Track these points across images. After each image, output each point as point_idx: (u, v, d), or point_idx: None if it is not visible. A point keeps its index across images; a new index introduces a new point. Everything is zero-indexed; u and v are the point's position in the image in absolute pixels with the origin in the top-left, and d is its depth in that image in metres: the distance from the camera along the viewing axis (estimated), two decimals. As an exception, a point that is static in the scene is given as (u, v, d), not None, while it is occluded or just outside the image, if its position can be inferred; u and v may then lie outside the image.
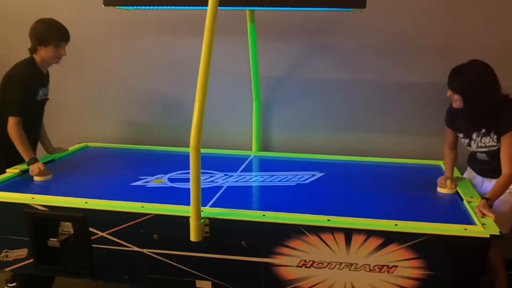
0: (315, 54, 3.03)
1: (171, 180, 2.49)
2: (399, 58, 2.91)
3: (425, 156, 2.92)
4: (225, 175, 2.59)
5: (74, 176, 2.54)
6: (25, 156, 2.48)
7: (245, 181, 2.51)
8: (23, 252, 2.21)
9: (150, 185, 2.42)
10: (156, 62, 3.21)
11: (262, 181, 2.52)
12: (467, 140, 2.36)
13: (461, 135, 2.40)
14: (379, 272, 1.94)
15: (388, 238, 1.89)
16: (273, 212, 2.03)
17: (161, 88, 3.27)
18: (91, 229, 2.11)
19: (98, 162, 2.61)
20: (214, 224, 1.99)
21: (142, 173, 2.58)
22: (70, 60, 2.68)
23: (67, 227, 2.15)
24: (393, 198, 2.28)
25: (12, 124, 2.44)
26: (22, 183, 2.41)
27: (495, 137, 2.23)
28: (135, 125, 3.37)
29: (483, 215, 1.98)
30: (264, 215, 2.01)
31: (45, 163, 2.72)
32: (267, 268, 2.02)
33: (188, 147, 1.84)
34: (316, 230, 1.93)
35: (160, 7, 2.38)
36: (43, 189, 2.31)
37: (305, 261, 1.98)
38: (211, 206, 2.12)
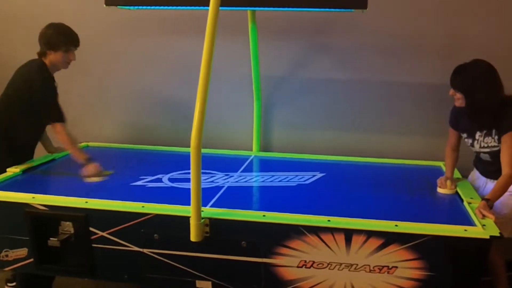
0: (315, 54, 3.03)
1: (171, 180, 2.50)
2: (399, 58, 2.91)
3: (425, 156, 2.92)
4: (226, 175, 2.59)
5: (74, 176, 2.54)
6: (80, 157, 2.51)
7: (246, 181, 2.51)
8: (23, 251, 2.21)
9: (150, 185, 2.42)
10: (157, 62, 3.22)
11: (262, 181, 2.52)
12: (470, 140, 2.36)
13: (464, 135, 2.40)
14: (379, 272, 1.94)
15: (388, 238, 1.89)
16: (274, 213, 2.03)
17: (162, 87, 3.27)
18: (91, 228, 2.11)
19: (99, 162, 2.61)
20: (215, 224, 1.99)
21: (142, 173, 2.58)
22: (71, 60, 2.68)
23: (67, 227, 2.15)
24: (394, 198, 2.28)
25: (61, 130, 2.48)
26: (23, 183, 2.41)
27: (496, 137, 2.23)
28: (136, 125, 3.37)
29: (483, 216, 1.98)
30: (264, 216, 2.01)
31: (46, 163, 2.73)
32: (267, 268, 2.02)
33: (189, 147, 1.84)
34: (316, 231, 1.93)
35: (161, 7, 2.38)
36: (44, 189, 2.31)
37: (305, 261, 1.98)
38: (211, 206, 2.12)
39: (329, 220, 1.95)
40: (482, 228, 1.89)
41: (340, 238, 1.92)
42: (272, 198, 2.29)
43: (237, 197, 2.28)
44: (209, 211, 2.05)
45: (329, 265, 1.96)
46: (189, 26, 3.06)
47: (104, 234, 2.10)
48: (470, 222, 1.97)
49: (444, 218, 2.04)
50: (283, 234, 1.96)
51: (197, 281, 2.11)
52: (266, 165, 2.89)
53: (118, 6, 2.38)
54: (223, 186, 2.41)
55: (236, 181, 2.50)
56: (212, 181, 2.48)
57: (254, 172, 2.70)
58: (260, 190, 2.42)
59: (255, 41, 2.77)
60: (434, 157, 2.87)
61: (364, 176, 2.64)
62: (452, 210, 2.17)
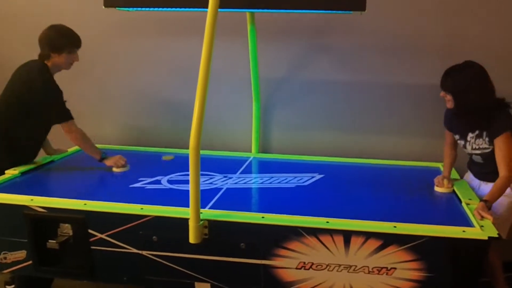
0: (315, 55, 3.03)
1: (170, 182, 2.49)
2: (399, 58, 2.91)
3: (424, 157, 2.92)
4: (225, 176, 2.59)
5: (73, 178, 2.54)
6: (95, 154, 2.58)
7: (245, 183, 2.51)
8: (21, 253, 2.21)
9: (149, 186, 2.42)
10: (156, 63, 3.21)
11: (261, 183, 2.52)
12: (462, 142, 2.37)
13: (457, 136, 2.41)
14: (378, 274, 1.94)
15: (387, 240, 1.89)
16: (272, 214, 2.03)
17: (161, 89, 3.27)
18: (90, 230, 2.11)
19: (98, 164, 2.62)
20: (213, 226, 1.99)
21: (141, 175, 2.58)
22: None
23: (66, 229, 2.15)
24: (392, 200, 2.28)
25: (70, 129, 2.49)
26: (21, 185, 2.41)
27: (487, 139, 2.24)
28: (135, 127, 3.37)
29: (482, 217, 1.98)
30: (263, 217, 2.00)
31: (45, 164, 2.72)
32: (266, 270, 2.02)
33: (188, 148, 1.84)
34: (315, 232, 1.93)
35: (160, 9, 2.38)
36: (42, 191, 2.31)
37: (304, 263, 1.98)
38: (210, 208, 2.12)
39: (328, 222, 1.95)
40: (480, 229, 1.89)
41: (339, 239, 1.92)
42: (271, 200, 2.29)
43: (236, 198, 2.28)
44: (208, 213, 2.05)
45: (328, 267, 1.96)
46: (189, 27, 3.06)
47: (103, 236, 2.10)
48: (468, 223, 1.97)
49: (442, 219, 2.03)
50: (282, 236, 1.96)
51: (196, 283, 2.10)
52: (265, 167, 2.89)
53: (117, 8, 2.38)
54: (222, 188, 2.41)
55: (235, 183, 2.50)
56: (211, 183, 2.48)
57: (253, 174, 2.70)
58: (259, 191, 2.42)
59: (254, 42, 2.77)
60: (433, 158, 2.86)
61: (363, 177, 2.64)
62: (451, 211, 2.17)
